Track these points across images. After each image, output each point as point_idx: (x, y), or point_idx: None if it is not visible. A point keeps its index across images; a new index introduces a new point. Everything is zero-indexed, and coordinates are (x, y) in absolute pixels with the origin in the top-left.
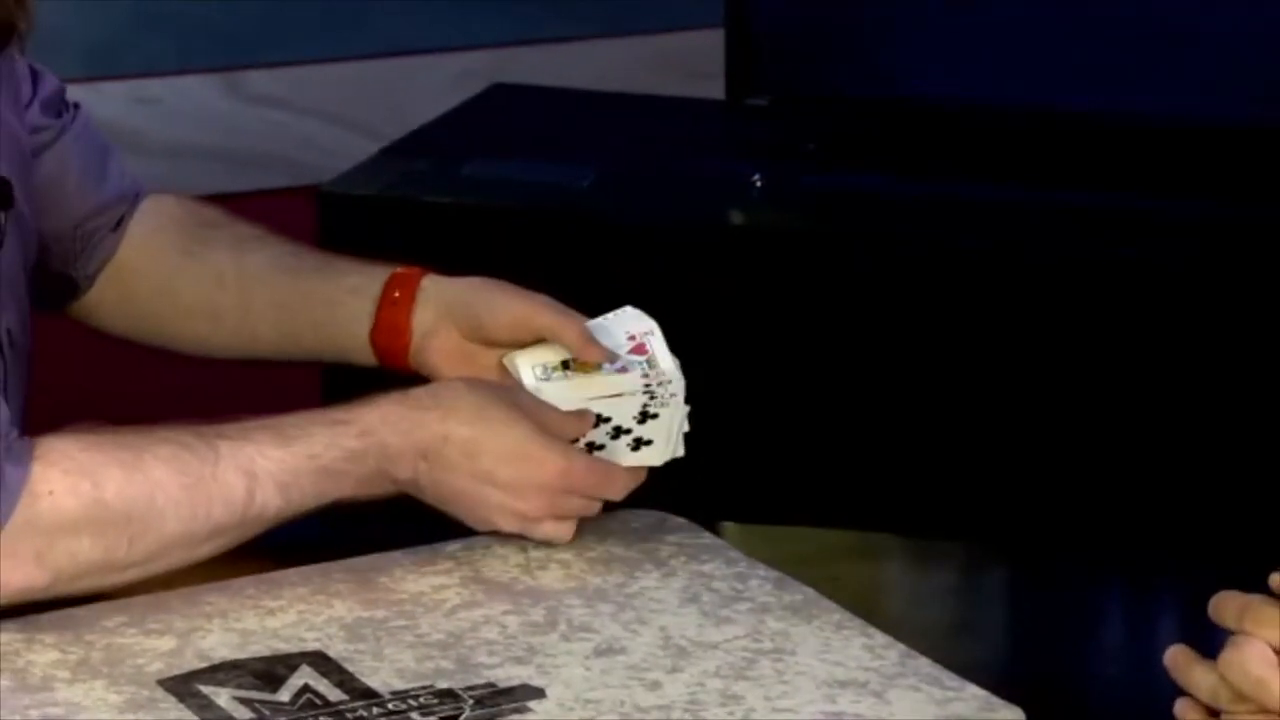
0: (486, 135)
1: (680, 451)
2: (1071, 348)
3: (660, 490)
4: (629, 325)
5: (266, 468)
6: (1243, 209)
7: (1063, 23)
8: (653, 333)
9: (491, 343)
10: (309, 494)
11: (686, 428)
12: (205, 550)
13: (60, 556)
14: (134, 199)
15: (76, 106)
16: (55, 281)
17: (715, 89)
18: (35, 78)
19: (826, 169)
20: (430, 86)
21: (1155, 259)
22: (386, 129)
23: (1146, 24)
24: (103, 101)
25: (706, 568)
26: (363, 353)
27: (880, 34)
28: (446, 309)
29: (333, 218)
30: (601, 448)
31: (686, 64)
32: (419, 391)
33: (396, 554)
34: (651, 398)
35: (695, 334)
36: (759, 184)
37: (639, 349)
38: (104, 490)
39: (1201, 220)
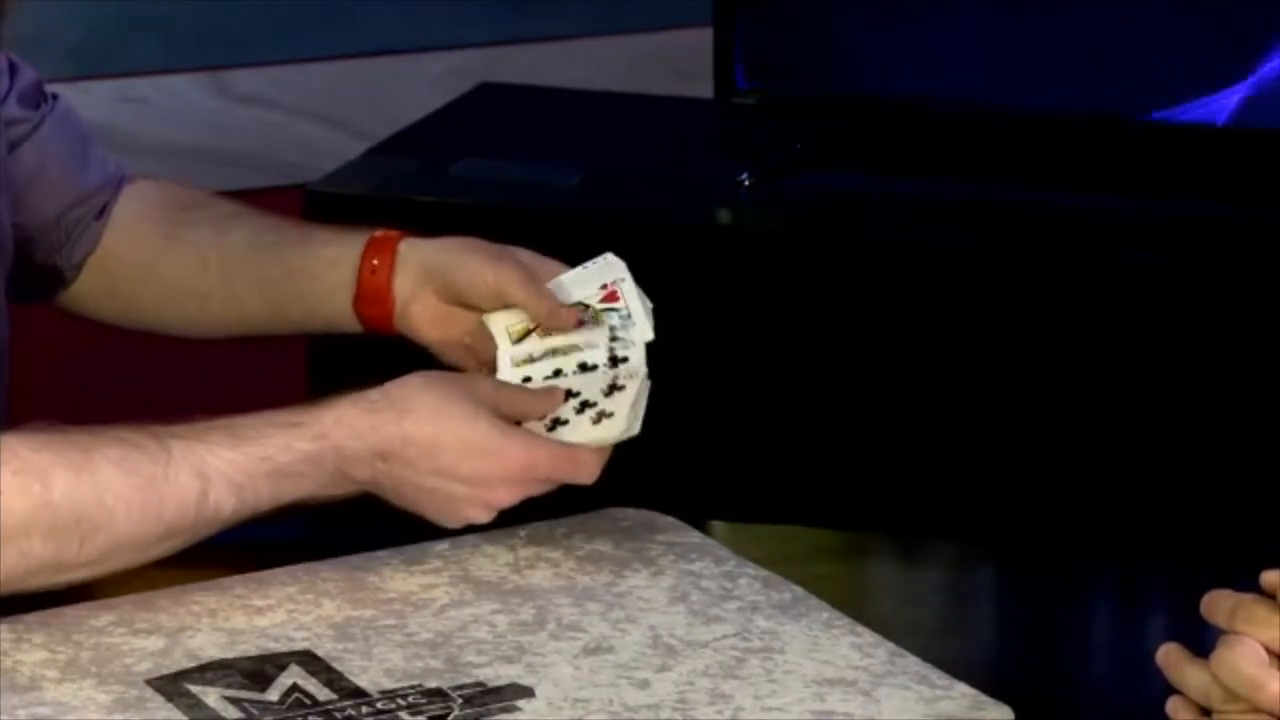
0: (474, 134)
1: (636, 430)
2: (1059, 348)
3: (649, 489)
4: (603, 275)
5: (220, 469)
6: (1233, 210)
7: (1051, 22)
8: (624, 279)
9: (470, 306)
10: (264, 495)
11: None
12: (158, 550)
13: (9, 556)
14: (117, 185)
15: (55, 97)
16: (42, 273)
17: (703, 88)
18: (12, 70)
19: (815, 168)
20: (418, 85)
21: (1145, 260)
22: (374, 128)
23: (1138, 24)
24: (89, 101)
25: (695, 566)
26: (349, 322)
27: (869, 33)
28: (425, 275)
29: (320, 217)
30: (565, 423)
31: (674, 63)
32: (374, 393)
33: (385, 553)
34: (615, 340)
35: (683, 333)
36: (747, 183)
37: (610, 296)
38: (53, 491)
39: (1189, 221)
